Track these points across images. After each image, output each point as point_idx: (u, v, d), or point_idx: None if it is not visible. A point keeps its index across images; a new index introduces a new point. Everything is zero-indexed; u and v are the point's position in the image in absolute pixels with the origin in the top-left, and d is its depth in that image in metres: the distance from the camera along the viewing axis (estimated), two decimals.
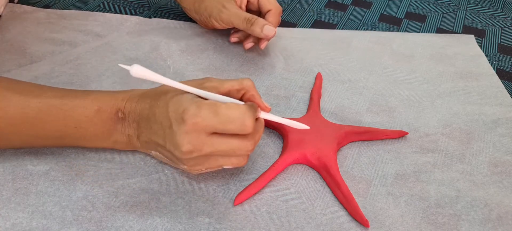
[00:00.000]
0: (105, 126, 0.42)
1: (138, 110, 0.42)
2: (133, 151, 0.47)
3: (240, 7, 0.61)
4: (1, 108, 0.41)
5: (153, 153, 0.42)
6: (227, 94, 0.41)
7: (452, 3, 0.82)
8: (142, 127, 0.41)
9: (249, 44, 0.61)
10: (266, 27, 0.57)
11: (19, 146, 0.44)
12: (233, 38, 0.63)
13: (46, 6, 0.70)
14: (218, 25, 0.61)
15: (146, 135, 0.41)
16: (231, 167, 0.41)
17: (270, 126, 0.51)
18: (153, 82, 0.40)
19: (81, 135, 0.42)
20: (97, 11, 0.70)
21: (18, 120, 0.41)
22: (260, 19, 0.58)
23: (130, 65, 0.37)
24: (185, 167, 0.40)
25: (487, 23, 0.76)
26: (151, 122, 0.40)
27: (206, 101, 0.38)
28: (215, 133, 0.38)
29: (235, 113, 0.38)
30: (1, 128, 0.41)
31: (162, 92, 0.41)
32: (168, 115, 0.39)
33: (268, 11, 0.60)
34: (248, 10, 0.63)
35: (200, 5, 0.62)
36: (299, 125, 0.45)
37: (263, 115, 0.42)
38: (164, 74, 0.58)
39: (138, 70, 0.37)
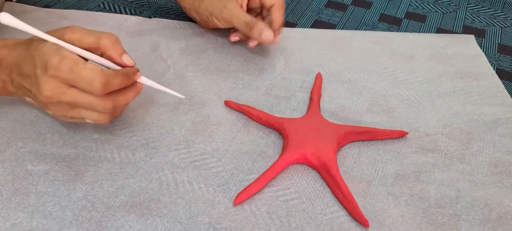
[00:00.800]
0: None
1: (11, 58, 0.42)
2: (133, 151, 0.47)
3: (241, 6, 0.61)
4: None
5: (27, 99, 0.44)
6: (87, 50, 0.43)
7: (452, 3, 0.82)
8: (14, 73, 0.42)
9: (253, 42, 0.60)
10: (265, 33, 0.57)
11: None
12: (233, 37, 0.63)
13: (46, 6, 0.70)
14: (219, 24, 0.61)
15: (17, 81, 0.42)
16: (93, 122, 0.43)
17: (270, 126, 0.52)
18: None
19: None
20: (97, 11, 0.70)
21: None
22: (260, 23, 0.57)
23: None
24: (50, 112, 0.42)
25: (487, 23, 0.76)
26: (21, 67, 0.42)
27: (70, 55, 0.40)
28: (75, 86, 0.41)
29: (86, 74, 0.40)
30: None
31: (33, 41, 0.42)
32: (34, 62, 0.40)
33: (271, 6, 0.60)
34: (249, 7, 0.62)
35: (200, 4, 0.62)
36: (174, 93, 0.46)
37: (142, 80, 0.44)
38: (164, 75, 0.58)
39: (5, 18, 0.39)
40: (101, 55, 0.43)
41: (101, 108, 0.41)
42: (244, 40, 0.63)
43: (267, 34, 0.57)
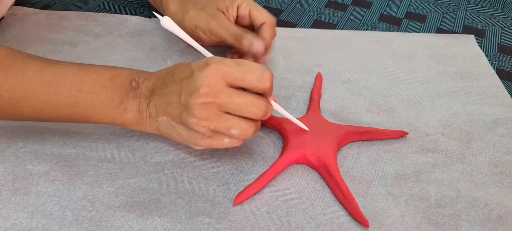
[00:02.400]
0: (117, 92, 0.42)
1: (154, 80, 0.43)
2: (133, 151, 0.48)
3: (229, 20, 0.57)
4: (19, 71, 0.41)
5: (160, 118, 0.42)
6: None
7: (452, 3, 0.82)
8: (155, 92, 0.42)
9: (247, 57, 0.57)
10: (255, 44, 0.55)
11: (29, 115, 0.43)
12: (231, 55, 0.60)
13: (46, 6, 0.70)
14: (204, 38, 0.58)
15: (158, 98, 0.42)
16: (239, 133, 0.41)
17: (270, 126, 0.52)
18: None
19: (92, 102, 0.42)
20: (97, 11, 0.70)
21: (34, 83, 0.41)
22: (249, 35, 0.55)
23: (162, 17, 0.42)
24: (194, 120, 0.40)
25: (487, 23, 0.76)
26: (167, 81, 0.42)
27: (231, 62, 0.40)
28: (233, 87, 0.40)
29: (255, 66, 0.40)
30: (16, 91, 0.41)
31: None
32: (190, 67, 0.41)
33: (262, 24, 0.56)
34: (238, 25, 0.58)
35: (184, 15, 0.58)
36: (300, 124, 0.47)
37: (273, 104, 0.44)
38: None
39: (166, 23, 0.42)
40: None
41: (256, 108, 0.40)
42: (241, 57, 0.59)
43: (257, 45, 0.55)
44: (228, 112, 0.40)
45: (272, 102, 0.43)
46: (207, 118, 0.39)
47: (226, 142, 0.41)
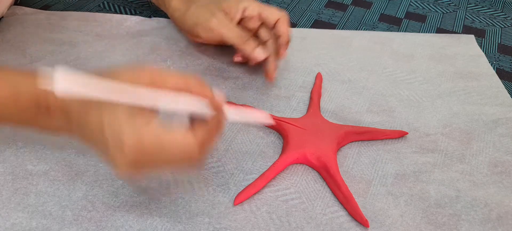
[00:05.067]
0: (23, 114, 0.36)
1: (67, 104, 0.35)
2: None
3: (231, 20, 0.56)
4: None
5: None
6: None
7: (452, 3, 0.82)
8: (74, 125, 0.35)
9: (252, 62, 0.56)
10: (258, 50, 0.55)
11: None
12: (237, 58, 0.58)
13: (46, 6, 0.70)
14: (204, 35, 0.56)
15: (79, 136, 0.36)
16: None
17: (270, 126, 0.51)
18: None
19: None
20: (97, 11, 0.70)
21: None
22: (253, 40, 0.55)
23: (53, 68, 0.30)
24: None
25: (487, 23, 0.76)
26: (84, 127, 0.34)
27: (149, 128, 0.33)
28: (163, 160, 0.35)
29: (180, 146, 0.33)
30: None
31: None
32: (103, 133, 0.33)
33: (276, 21, 0.55)
34: (247, 27, 0.58)
35: (186, 12, 0.57)
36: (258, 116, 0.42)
37: (228, 112, 0.38)
38: None
39: (62, 82, 0.30)
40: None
41: (197, 166, 0.36)
42: (245, 62, 0.60)
43: (259, 52, 0.54)
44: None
45: (229, 111, 0.38)
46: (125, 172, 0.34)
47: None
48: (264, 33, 0.57)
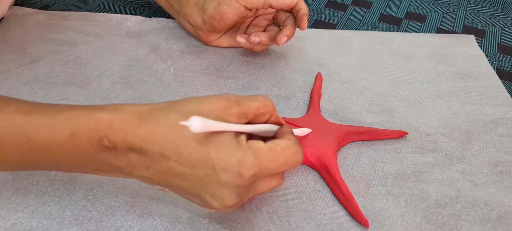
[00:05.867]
0: (83, 153, 0.33)
1: (141, 139, 0.32)
2: None
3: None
4: None
5: (167, 189, 0.35)
6: (255, 116, 0.37)
7: (452, 3, 0.82)
8: (151, 160, 0.33)
9: (282, 38, 0.56)
10: (253, 37, 0.57)
11: None
12: (240, 38, 0.59)
13: (46, 6, 0.70)
14: (211, 21, 0.58)
15: (160, 173, 0.33)
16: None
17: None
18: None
19: (54, 162, 0.34)
20: (97, 11, 0.70)
21: None
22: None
23: (188, 120, 0.31)
24: (212, 211, 0.37)
25: (487, 23, 0.76)
26: (172, 161, 0.32)
27: (262, 145, 0.33)
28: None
29: (290, 152, 0.35)
30: None
31: (186, 117, 0.32)
32: (211, 162, 0.32)
33: (295, 4, 0.57)
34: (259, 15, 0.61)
35: (205, 2, 0.59)
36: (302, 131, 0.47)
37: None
38: (164, 75, 0.58)
39: (197, 124, 0.30)
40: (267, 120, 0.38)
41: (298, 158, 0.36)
42: (249, 48, 0.60)
43: (254, 38, 0.57)
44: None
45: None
46: (233, 204, 0.34)
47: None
48: (281, 15, 0.60)
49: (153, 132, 0.32)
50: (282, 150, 0.34)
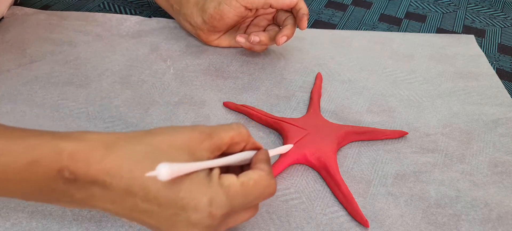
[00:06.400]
0: (42, 184, 0.31)
1: (105, 173, 0.30)
2: None
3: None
4: None
5: (134, 222, 0.33)
6: (229, 146, 0.36)
7: (452, 3, 0.82)
8: (115, 195, 0.31)
9: (282, 38, 0.56)
10: (252, 37, 0.57)
11: None
12: (239, 38, 0.59)
13: (46, 6, 0.70)
14: (211, 21, 0.58)
15: (125, 209, 0.31)
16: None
17: (270, 126, 0.51)
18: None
19: (10, 190, 0.32)
20: (97, 11, 0.70)
21: None
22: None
23: (155, 170, 0.29)
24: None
25: (487, 23, 0.76)
26: (138, 198, 0.30)
27: (234, 181, 0.32)
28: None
29: (264, 185, 0.34)
30: None
31: (154, 152, 0.31)
32: (180, 202, 0.30)
33: (295, 4, 0.57)
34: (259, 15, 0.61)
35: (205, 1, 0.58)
36: (283, 149, 0.45)
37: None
38: (164, 75, 0.58)
39: (166, 172, 0.29)
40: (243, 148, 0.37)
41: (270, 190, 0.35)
42: (249, 48, 0.60)
43: (254, 38, 0.57)
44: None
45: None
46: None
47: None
48: (281, 15, 0.59)
49: (119, 165, 0.30)
50: (255, 183, 0.33)
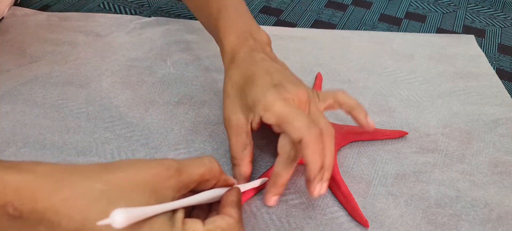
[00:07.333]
0: None
1: (54, 212, 0.27)
2: (133, 151, 0.47)
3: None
4: None
5: None
6: (199, 184, 0.33)
7: (452, 3, 0.82)
8: None
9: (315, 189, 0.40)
10: (369, 118, 0.45)
11: None
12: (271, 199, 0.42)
13: (46, 6, 0.70)
14: (265, 117, 0.42)
15: None
16: None
17: (270, 126, 0.51)
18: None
19: None
20: (97, 11, 0.70)
21: None
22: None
23: (109, 217, 0.27)
24: None
25: (487, 23, 0.76)
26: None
27: (199, 228, 0.30)
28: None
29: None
30: None
31: (111, 192, 0.28)
32: None
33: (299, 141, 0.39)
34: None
35: (248, 88, 0.43)
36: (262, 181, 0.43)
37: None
38: (164, 75, 0.58)
39: (121, 219, 0.27)
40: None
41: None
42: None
43: (370, 119, 0.45)
44: None
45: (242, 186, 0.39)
46: None
47: None
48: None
49: (70, 205, 0.27)
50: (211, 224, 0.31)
